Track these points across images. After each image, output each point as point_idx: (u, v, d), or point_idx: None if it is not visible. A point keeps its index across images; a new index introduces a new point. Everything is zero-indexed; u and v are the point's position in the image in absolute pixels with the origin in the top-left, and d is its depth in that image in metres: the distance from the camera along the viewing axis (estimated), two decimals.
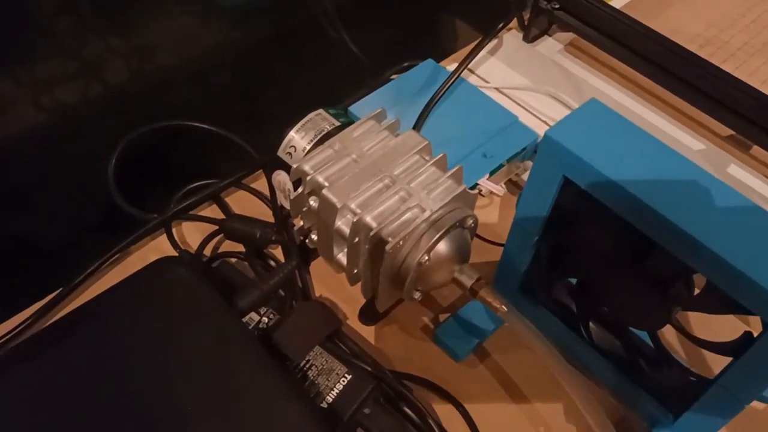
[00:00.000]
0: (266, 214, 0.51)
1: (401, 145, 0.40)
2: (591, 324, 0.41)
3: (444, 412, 0.42)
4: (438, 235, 0.36)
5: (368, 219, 0.36)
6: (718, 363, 0.34)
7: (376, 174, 0.38)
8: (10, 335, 0.44)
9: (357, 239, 0.37)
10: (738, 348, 0.32)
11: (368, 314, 0.46)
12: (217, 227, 0.50)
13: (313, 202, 0.40)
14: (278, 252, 0.50)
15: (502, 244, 0.42)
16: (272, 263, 0.49)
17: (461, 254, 0.38)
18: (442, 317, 0.47)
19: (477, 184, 0.51)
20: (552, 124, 0.51)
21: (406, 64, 0.61)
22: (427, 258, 0.36)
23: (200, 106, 0.59)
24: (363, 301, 0.44)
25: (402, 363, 0.44)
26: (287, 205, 0.47)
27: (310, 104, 0.46)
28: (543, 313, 0.43)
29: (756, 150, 0.55)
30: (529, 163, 0.54)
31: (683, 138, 0.56)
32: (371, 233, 0.36)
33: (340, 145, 0.40)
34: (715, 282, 0.30)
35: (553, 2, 0.61)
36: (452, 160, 0.40)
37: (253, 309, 0.42)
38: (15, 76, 0.47)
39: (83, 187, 0.55)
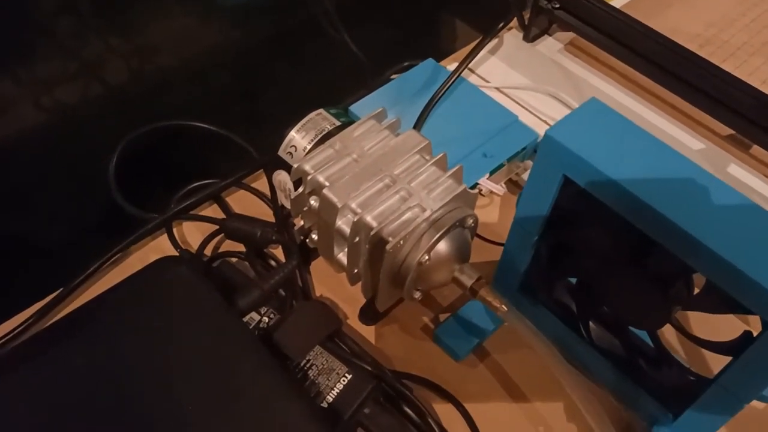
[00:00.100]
0: (267, 214, 0.51)
1: (402, 145, 0.40)
2: (591, 324, 0.41)
3: (444, 411, 0.42)
4: (438, 235, 0.36)
5: (369, 218, 0.36)
6: (717, 362, 0.34)
7: (377, 173, 0.38)
8: (10, 335, 0.44)
9: (357, 239, 0.37)
10: (737, 347, 0.32)
11: (368, 314, 0.46)
12: (217, 227, 0.50)
13: (313, 201, 0.40)
14: (279, 252, 0.50)
15: (502, 244, 0.42)
16: (273, 263, 0.49)
17: (461, 254, 0.38)
18: (442, 317, 0.47)
19: (477, 183, 0.51)
20: (552, 123, 0.51)
21: (406, 64, 0.61)
22: (427, 257, 0.36)
23: (200, 106, 0.59)
24: (363, 300, 0.44)
25: (402, 363, 0.44)
26: (288, 205, 0.47)
27: (310, 104, 0.46)
28: (543, 312, 0.43)
29: (756, 149, 0.55)
30: (530, 163, 0.54)
31: (683, 137, 0.56)
32: (372, 233, 0.36)
33: (340, 144, 0.40)
34: (714, 281, 0.30)
35: (554, 2, 0.61)
36: (452, 159, 0.40)
37: (253, 309, 0.42)
38: (15, 76, 0.47)
39: (83, 187, 0.55)
